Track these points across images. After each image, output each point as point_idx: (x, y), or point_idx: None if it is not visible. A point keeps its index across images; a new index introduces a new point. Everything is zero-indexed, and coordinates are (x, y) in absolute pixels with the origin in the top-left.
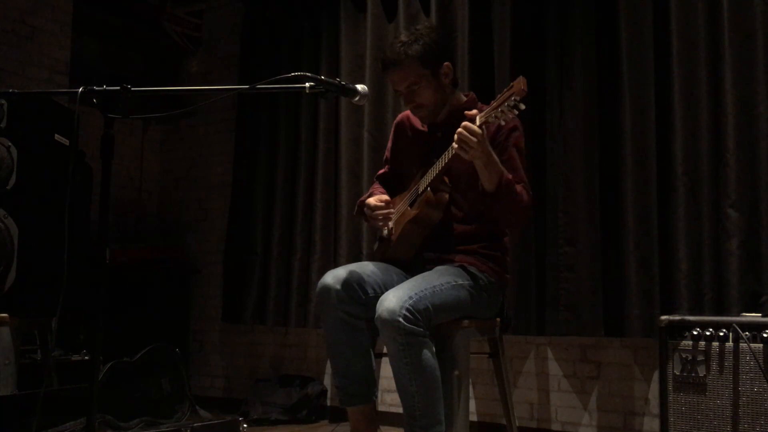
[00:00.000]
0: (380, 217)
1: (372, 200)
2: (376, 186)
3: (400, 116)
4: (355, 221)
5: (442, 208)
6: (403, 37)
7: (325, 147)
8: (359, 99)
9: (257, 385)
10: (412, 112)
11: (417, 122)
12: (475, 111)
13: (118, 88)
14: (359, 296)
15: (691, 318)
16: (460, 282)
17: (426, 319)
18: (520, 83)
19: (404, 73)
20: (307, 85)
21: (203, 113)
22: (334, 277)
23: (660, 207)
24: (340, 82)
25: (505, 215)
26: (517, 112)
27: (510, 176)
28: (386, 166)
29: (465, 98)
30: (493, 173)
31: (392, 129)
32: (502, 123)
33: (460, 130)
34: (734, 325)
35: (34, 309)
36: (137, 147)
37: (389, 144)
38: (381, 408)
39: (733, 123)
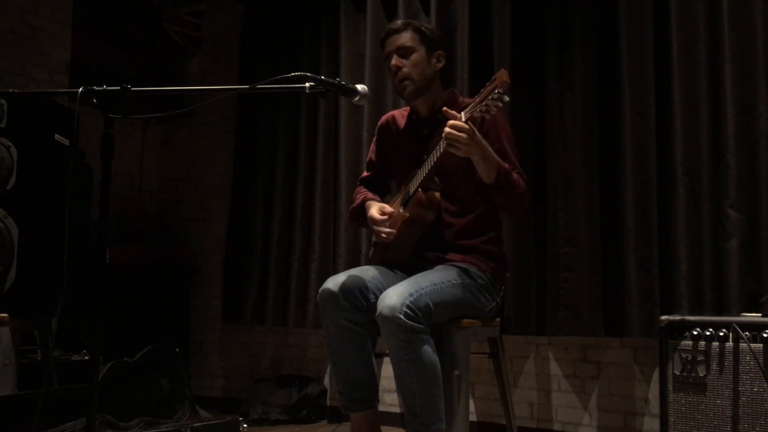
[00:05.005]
0: (383, 234)
1: (374, 213)
2: (364, 191)
3: (383, 118)
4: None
5: (435, 208)
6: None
7: (325, 147)
8: (359, 99)
9: (257, 385)
10: (397, 88)
11: (401, 122)
12: (453, 113)
13: (118, 88)
14: (361, 303)
15: (691, 318)
16: (460, 281)
17: (426, 316)
18: (502, 75)
19: (400, 37)
20: (307, 85)
21: (203, 113)
22: (335, 284)
23: (660, 207)
24: (340, 82)
25: (506, 204)
26: (501, 104)
27: (506, 166)
28: (370, 170)
29: (446, 94)
30: (491, 166)
31: (376, 132)
32: (487, 117)
33: (447, 129)
34: (734, 325)
35: (34, 309)
36: (137, 147)
37: (373, 146)
38: (381, 408)
39: (733, 123)
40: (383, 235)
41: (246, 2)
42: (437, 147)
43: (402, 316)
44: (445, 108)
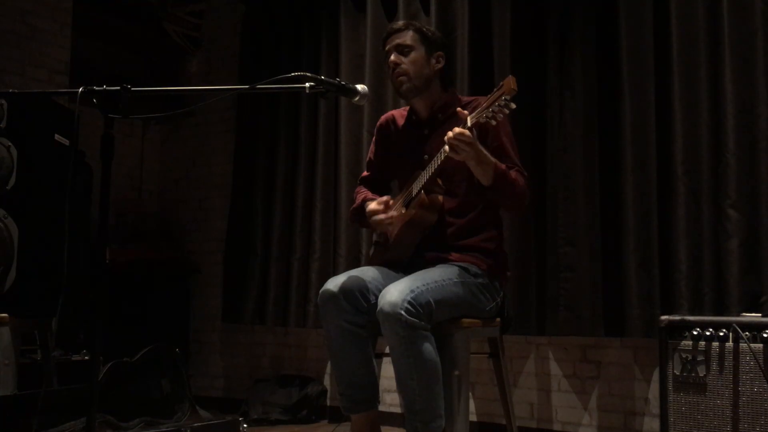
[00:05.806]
0: (383, 224)
1: (373, 205)
2: (364, 190)
3: (382, 118)
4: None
5: (437, 210)
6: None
7: (325, 147)
8: (359, 99)
9: (257, 385)
10: (394, 84)
11: (400, 122)
12: (466, 112)
13: (118, 88)
14: (361, 304)
15: (691, 318)
16: (461, 279)
17: (427, 313)
18: (510, 82)
19: (401, 35)
20: (307, 85)
21: (203, 113)
22: (335, 285)
23: (660, 207)
24: (340, 82)
25: (506, 202)
26: (507, 111)
27: (503, 166)
28: (370, 170)
29: (446, 95)
30: (486, 169)
31: (375, 131)
32: (493, 123)
33: (450, 136)
34: (734, 325)
35: (34, 309)
36: (137, 147)
37: (372, 147)
38: (381, 408)
39: (733, 123)
40: (384, 220)
41: (246, 2)
42: (441, 150)
43: (403, 312)
44: (459, 109)
